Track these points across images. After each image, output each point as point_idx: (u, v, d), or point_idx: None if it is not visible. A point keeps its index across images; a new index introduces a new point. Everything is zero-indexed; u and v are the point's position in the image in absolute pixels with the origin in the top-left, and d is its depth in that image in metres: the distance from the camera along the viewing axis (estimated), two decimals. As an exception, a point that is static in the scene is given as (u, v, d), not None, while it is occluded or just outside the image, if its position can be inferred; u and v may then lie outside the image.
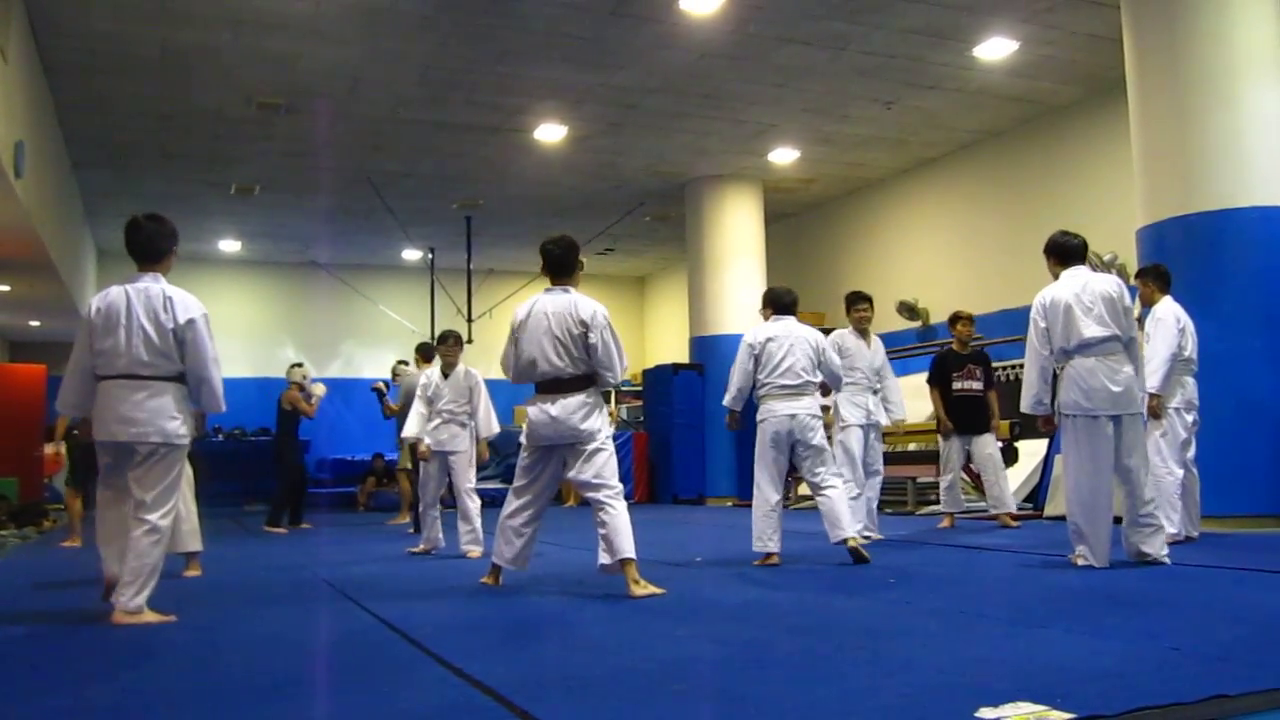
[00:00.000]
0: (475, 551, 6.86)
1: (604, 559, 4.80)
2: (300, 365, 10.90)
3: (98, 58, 9.42)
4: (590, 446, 4.88)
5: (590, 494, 4.90)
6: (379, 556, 7.24)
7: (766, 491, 6.06)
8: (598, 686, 2.87)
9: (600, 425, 4.93)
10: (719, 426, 13.89)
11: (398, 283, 18.41)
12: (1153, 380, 5.99)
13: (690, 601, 4.68)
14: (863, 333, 7.44)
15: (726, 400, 6.28)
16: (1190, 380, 6.31)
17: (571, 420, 4.84)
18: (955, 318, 8.51)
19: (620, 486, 4.95)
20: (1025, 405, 5.49)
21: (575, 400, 4.87)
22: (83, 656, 3.66)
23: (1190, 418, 6.29)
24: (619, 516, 4.80)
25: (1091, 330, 5.22)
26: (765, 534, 6.00)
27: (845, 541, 5.85)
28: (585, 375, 4.91)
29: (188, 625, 4.22)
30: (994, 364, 10.82)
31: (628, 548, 4.75)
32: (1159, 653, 3.08)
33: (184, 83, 10.06)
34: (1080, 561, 5.22)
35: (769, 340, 6.09)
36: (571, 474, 4.95)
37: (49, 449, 12.64)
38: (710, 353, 14.11)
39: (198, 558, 6.15)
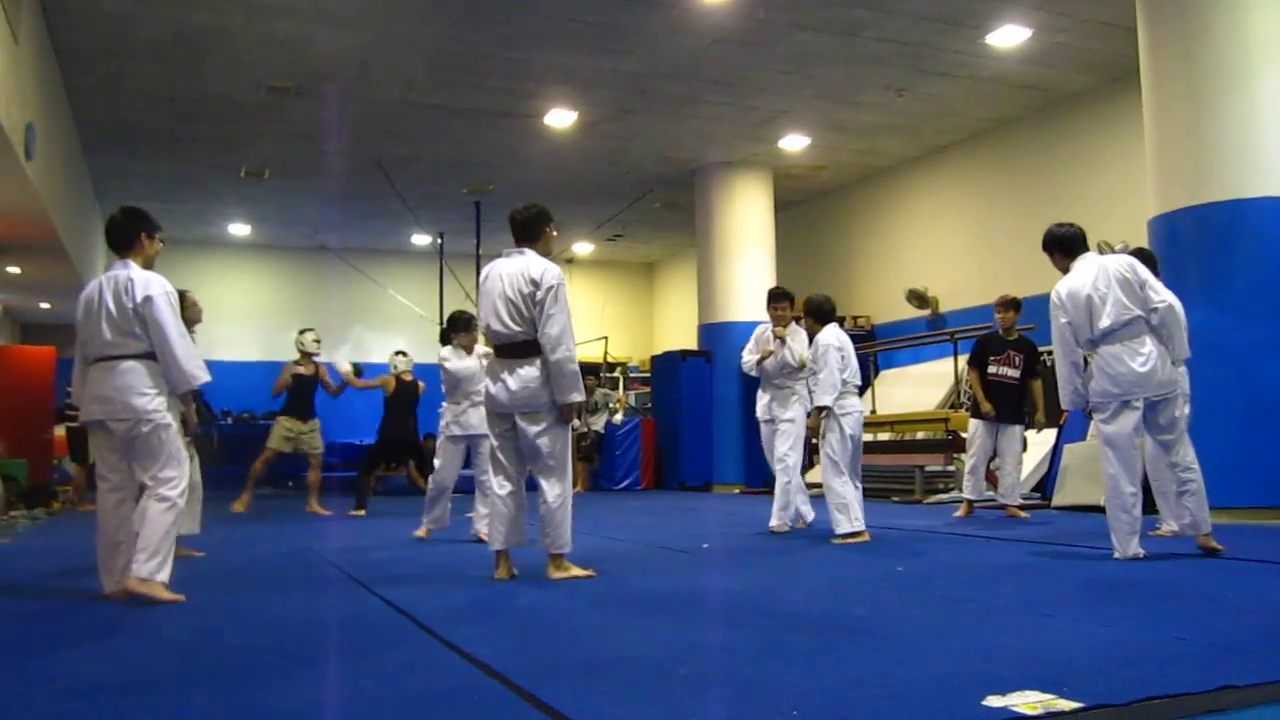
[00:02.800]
0: None
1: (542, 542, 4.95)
2: (309, 330, 10.64)
3: (109, 40, 9.42)
4: (543, 423, 4.84)
5: (534, 472, 4.92)
6: (387, 540, 7.25)
7: (850, 476, 6.50)
8: (604, 671, 2.88)
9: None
10: (727, 413, 13.95)
11: (407, 267, 18.43)
12: None
13: (697, 588, 4.69)
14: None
15: (830, 400, 6.50)
16: (1182, 370, 5.95)
17: (528, 391, 4.80)
18: (1003, 303, 8.26)
19: (565, 471, 4.91)
20: (1065, 402, 5.42)
21: (531, 371, 4.80)
22: (93, 635, 3.69)
23: (1185, 410, 6.12)
24: (548, 505, 4.84)
25: (1111, 318, 5.14)
26: (859, 514, 6.44)
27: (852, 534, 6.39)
28: (536, 340, 4.82)
29: (196, 606, 4.24)
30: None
31: (559, 543, 4.85)
32: (1166, 643, 3.08)
33: (195, 66, 10.06)
34: (1117, 554, 5.13)
35: (845, 344, 6.65)
36: (522, 445, 4.91)
37: (59, 430, 12.70)
38: (719, 339, 14.10)
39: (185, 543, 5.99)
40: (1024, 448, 8.85)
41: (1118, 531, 5.12)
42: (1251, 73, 7.28)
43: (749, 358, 7.55)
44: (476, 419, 7.26)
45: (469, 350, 7.39)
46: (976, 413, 8.20)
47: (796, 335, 7.35)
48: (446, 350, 7.48)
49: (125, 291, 4.43)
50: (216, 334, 16.32)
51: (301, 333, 10.43)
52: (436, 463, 7.47)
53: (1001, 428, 8.06)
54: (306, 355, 10.26)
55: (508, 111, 11.64)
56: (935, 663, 2.87)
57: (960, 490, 8.49)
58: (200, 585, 4.79)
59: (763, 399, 7.48)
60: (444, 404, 7.43)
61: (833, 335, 6.64)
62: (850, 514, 6.40)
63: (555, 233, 5.20)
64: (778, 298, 7.51)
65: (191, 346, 4.52)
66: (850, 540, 6.34)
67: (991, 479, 8.73)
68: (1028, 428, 8.23)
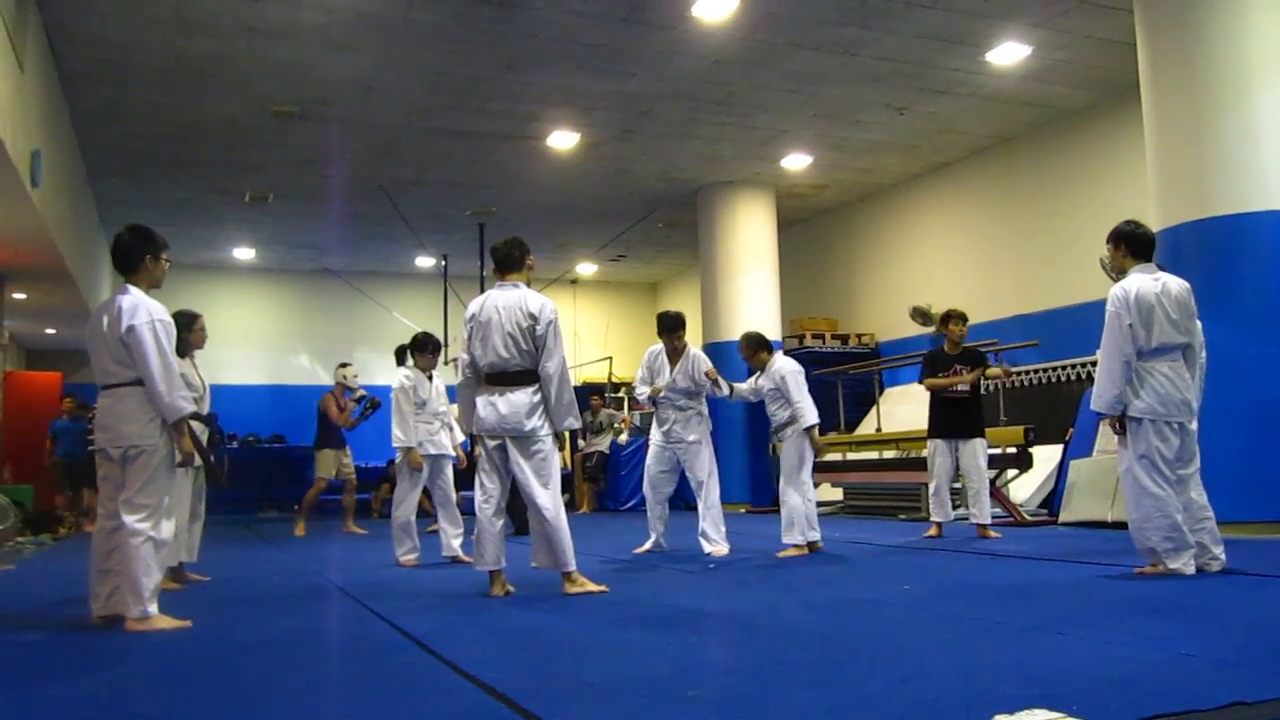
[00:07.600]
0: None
1: (535, 563, 5.14)
2: (347, 365, 10.97)
3: (113, 67, 9.48)
4: (533, 447, 5.03)
5: (528, 493, 5.03)
6: (392, 562, 7.24)
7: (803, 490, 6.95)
8: (612, 693, 2.87)
9: (544, 424, 5.05)
10: (732, 433, 13.91)
11: (411, 290, 18.46)
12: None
13: (702, 607, 4.68)
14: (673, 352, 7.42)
15: (816, 418, 6.98)
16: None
17: (517, 416, 5.00)
18: (947, 317, 8.21)
19: (557, 491, 5.07)
20: (1104, 405, 5.12)
21: (522, 397, 5.02)
22: (98, 662, 3.68)
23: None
24: (549, 525, 4.99)
25: (1170, 335, 5.06)
26: (806, 528, 6.83)
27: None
28: (531, 370, 5.04)
29: (201, 631, 4.24)
30: (1011, 370, 10.73)
31: (566, 560, 5.01)
32: (1174, 659, 3.07)
33: (199, 91, 10.12)
34: (1153, 571, 5.06)
35: (799, 369, 7.04)
36: (514, 469, 5.06)
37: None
38: (723, 359, 14.04)
39: (180, 571, 6.02)
40: (1026, 462, 8.75)
41: (1167, 550, 4.99)
42: (1251, 86, 7.30)
43: (645, 389, 7.45)
44: (446, 439, 7.32)
45: (426, 371, 7.40)
46: (932, 432, 8.12)
47: (701, 363, 7.32)
48: (409, 371, 7.37)
49: (117, 319, 4.43)
50: (221, 358, 16.34)
51: (344, 366, 11.09)
52: (399, 489, 7.29)
53: (960, 444, 7.98)
54: (345, 388, 10.95)
55: (510, 134, 11.69)
56: (942, 681, 2.86)
57: (928, 515, 8.27)
58: (206, 610, 4.79)
59: (663, 422, 7.37)
60: (395, 426, 7.16)
61: (790, 361, 7.16)
62: (799, 526, 6.75)
63: (533, 262, 5.39)
64: (678, 325, 7.38)
65: (176, 377, 4.45)
66: (793, 553, 6.72)
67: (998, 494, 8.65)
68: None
